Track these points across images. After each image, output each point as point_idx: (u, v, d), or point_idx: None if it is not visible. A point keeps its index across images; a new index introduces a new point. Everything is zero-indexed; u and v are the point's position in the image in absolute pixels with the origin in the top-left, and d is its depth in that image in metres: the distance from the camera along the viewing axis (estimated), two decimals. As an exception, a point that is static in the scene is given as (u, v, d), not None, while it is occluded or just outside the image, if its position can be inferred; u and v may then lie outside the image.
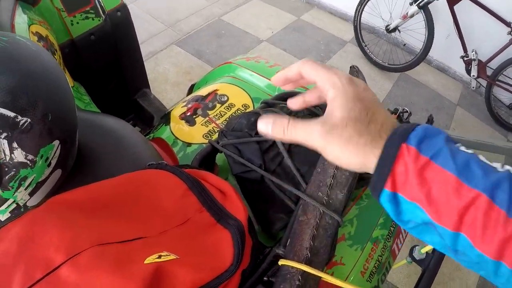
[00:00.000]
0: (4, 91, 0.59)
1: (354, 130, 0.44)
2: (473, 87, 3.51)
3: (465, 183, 0.39)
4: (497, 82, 3.25)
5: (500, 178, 0.39)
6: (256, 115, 0.99)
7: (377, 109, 0.46)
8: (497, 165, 0.41)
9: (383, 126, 0.45)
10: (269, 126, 0.52)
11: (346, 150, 0.45)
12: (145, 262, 0.59)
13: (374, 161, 0.44)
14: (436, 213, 0.41)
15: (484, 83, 3.43)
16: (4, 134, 0.60)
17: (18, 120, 0.61)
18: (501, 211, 0.37)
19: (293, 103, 0.59)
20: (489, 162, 0.41)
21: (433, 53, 3.60)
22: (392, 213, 0.45)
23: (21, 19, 1.29)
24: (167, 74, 3.35)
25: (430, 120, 2.80)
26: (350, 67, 1.14)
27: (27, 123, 0.62)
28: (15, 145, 0.62)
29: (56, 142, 0.69)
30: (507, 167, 0.41)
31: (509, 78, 3.24)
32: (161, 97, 2.93)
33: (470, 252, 0.39)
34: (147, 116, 2.25)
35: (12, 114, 0.60)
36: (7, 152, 0.61)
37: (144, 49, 2.74)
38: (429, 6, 3.18)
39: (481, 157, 0.42)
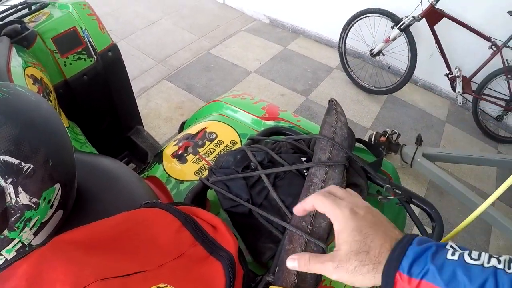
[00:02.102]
0: (8, 140, 0.64)
1: (357, 262, 0.54)
2: (460, 103, 3.57)
3: None
4: (482, 96, 3.31)
5: (485, 279, 0.46)
6: (241, 152, 1.04)
7: (376, 233, 0.56)
8: (484, 258, 0.49)
9: (381, 250, 0.54)
10: (295, 262, 0.64)
11: (354, 279, 0.55)
12: None
13: (379, 283, 0.53)
14: None
15: (470, 98, 3.49)
16: (10, 180, 0.64)
17: (22, 166, 0.65)
18: None
19: (297, 211, 0.70)
20: (476, 258, 0.49)
21: (418, 73, 3.67)
22: None
23: (16, 62, 1.34)
24: (159, 110, 3.40)
25: (419, 140, 2.87)
26: (329, 100, 1.19)
27: (30, 169, 0.66)
28: (20, 189, 0.66)
29: (57, 185, 0.74)
30: (493, 260, 0.48)
31: (494, 91, 3.32)
32: (154, 133, 3.00)
33: None
34: (141, 152, 2.28)
35: (16, 161, 0.64)
36: (13, 196, 0.66)
37: (136, 85, 2.79)
38: (410, 28, 3.27)
39: (469, 257, 0.50)
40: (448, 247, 0.52)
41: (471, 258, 0.49)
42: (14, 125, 0.66)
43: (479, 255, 0.49)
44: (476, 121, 3.53)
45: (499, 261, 0.48)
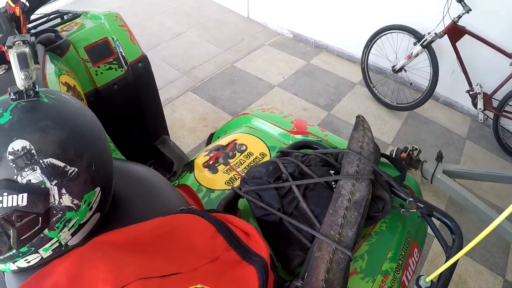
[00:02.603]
0: (56, 144, 0.69)
1: None
2: (481, 120, 3.54)
3: None
4: (503, 113, 3.28)
5: None
6: (273, 164, 1.10)
7: None
8: None
9: None
10: None
11: None
12: None
13: None
14: None
15: (491, 115, 3.46)
16: (55, 182, 0.69)
17: (67, 169, 0.70)
18: None
19: None
20: None
21: (439, 90, 3.66)
22: None
23: (51, 69, 1.40)
24: (183, 120, 3.44)
25: (439, 156, 2.89)
26: (356, 117, 1.24)
27: (74, 172, 0.72)
28: (63, 191, 0.71)
29: (98, 189, 0.79)
30: None
31: (515, 108, 3.29)
32: (178, 143, 3.03)
33: None
34: (167, 162, 2.33)
35: (62, 164, 0.70)
36: (56, 197, 0.71)
37: (161, 96, 2.81)
38: (432, 44, 3.28)
39: None
40: None
41: None
42: (61, 130, 0.71)
43: None
44: (497, 138, 3.50)
45: None
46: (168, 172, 2.34)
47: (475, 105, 3.48)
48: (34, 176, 0.68)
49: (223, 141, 1.45)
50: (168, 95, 3.73)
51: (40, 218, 0.71)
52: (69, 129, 0.72)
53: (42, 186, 0.69)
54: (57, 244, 0.78)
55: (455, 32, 3.22)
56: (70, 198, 0.73)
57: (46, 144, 0.68)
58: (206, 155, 1.39)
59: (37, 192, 0.69)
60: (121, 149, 1.70)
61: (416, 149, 2.92)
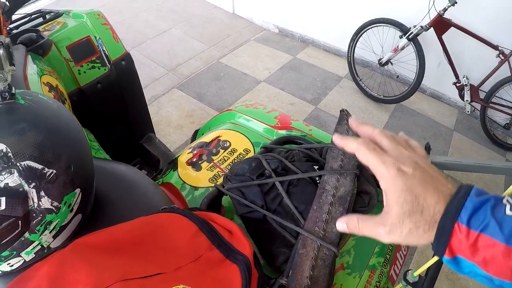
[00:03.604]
0: (32, 146, 0.67)
1: (411, 224, 0.51)
2: (468, 112, 3.58)
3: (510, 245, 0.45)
4: (490, 105, 3.32)
5: None
6: (256, 160, 1.07)
7: (427, 191, 0.52)
8: None
9: (435, 208, 0.50)
10: (345, 225, 0.61)
11: (409, 241, 0.52)
12: None
13: (432, 239, 0.51)
14: (493, 271, 0.47)
15: (478, 106, 3.50)
16: (33, 184, 0.68)
17: (45, 171, 0.69)
18: None
19: (336, 140, 0.64)
20: None
21: (426, 82, 3.70)
22: (454, 268, 0.51)
23: (32, 69, 1.37)
24: (170, 117, 3.44)
25: (427, 148, 2.87)
26: (340, 111, 1.22)
27: (53, 174, 0.70)
28: (42, 193, 0.69)
29: (78, 190, 0.77)
30: None
31: (502, 99, 3.33)
32: (164, 140, 3.05)
33: None
34: (153, 159, 2.32)
35: (40, 167, 0.68)
36: (35, 199, 0.69)
37: (147, 94, 2.81)
38: (418, 37, 3.30)
39: None
40: (504, 201, 0.48)
41: None
42: (38, 132, 0.69)
43: None
44: (484, 129, 3.53)
45: None
46: (155, 170, 2.34)
47: (462, 97, 3.52)
48: (11, 179, 0.66)
49: (206, 138, 1.43)
50: (154, 92, 3.73)
51: (20, 221, 0.69)
52: (46, 130, 0.71)
53: (20, 189, 0.67)
54: (39, 247, 0.76)
55: (441, 25, 3.24)
56: (50, 200, 0.71)
57: (23, 147, 0.67)
58: (189, 153, 1.38)
59: (15, 196, 0.67)
60: (107, 148, 1.70)
61: (404, 141, 2.92)
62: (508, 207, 0.47)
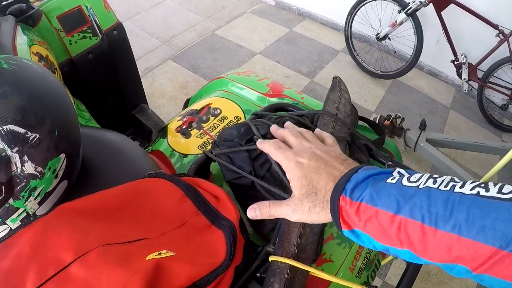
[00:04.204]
0: (15, 110, 0.65)
1: (309, 203, 0.61)
2: (465, 90, 3.57)
3: (384, 209, 0.51)
4: (488, 84, 3.30)
5: (414, 193, 0.50)
6: (245, 125, 1.04)
7: (320, 176, 0.62)
8: (421, 180, 0.51)
9: (325, 189, 0.59)
10: (257, 211, 0.71)
11: (312, 218, 0.62)
12: (147, 258, 0.65)
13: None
14: (382, 240, 0.53)
15: (475, 85, 3.47)
16: (16, 149, 0.66)
17: (28, 135, 0.67)
18: (416, 222, 0.48)
19: (260, 145, 0.78)
20: (414, 181, 0.52)
21: (424, 59, 3.67)
22: (356, 241, 0.57)
23: (22, 40, 1.35)
24: (164, 89, 3.41)
25: (423, 125, 2.87)
26: (333, 78, 1.19)
27: (36, 138, 0.68)
28: (25, 158, 0.68)
29: (63, 155, 0.75)
30: (429, 182, 0.50)
31: (500, 79, 3.30)
32: (158, 112, 3.02)
33: (418, 261, 0.50)
34: (146, 130, 2.30)
35: (22, 131, 0.66)
36: (19, 164, 0.67)
37: (141, 65, 2.79)
38: (417, 13, 3.25)
39: (407, 180, 0.52)
40: (394, 173, 0.55)
41: (409, 181, 0.52)
42: (20, 95, 0.67)
43: (419, 179, 0.52)
44: (481, 108, 3.51)
45: (435, 182, 0.50)
46: (147, 141, 2.31)
47: (459, 75, 3.49)
48: None
49: (197, 105, 1.40)
50: (148, 64, 3.68)
51: (3, 187, 0.68)
52: (29, 94, 0.69)
53: (3, 154, 0.66)
54: (25, 214, 0.75)
55: (440, 1, 3.19)
56: (33, 165, 0.70)
57: (5, 111, 0.65)
58: (179, 120, 1.35)
59: None
60: (99, 119, 1.68)
61: (400, 117, 2.91)
62: (391, 177, 0.54)
